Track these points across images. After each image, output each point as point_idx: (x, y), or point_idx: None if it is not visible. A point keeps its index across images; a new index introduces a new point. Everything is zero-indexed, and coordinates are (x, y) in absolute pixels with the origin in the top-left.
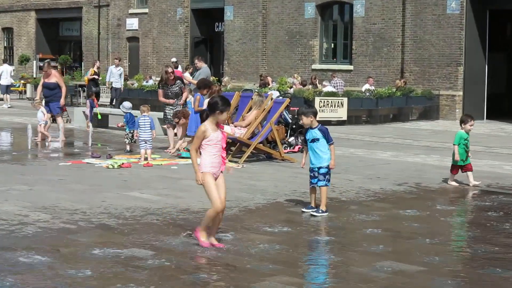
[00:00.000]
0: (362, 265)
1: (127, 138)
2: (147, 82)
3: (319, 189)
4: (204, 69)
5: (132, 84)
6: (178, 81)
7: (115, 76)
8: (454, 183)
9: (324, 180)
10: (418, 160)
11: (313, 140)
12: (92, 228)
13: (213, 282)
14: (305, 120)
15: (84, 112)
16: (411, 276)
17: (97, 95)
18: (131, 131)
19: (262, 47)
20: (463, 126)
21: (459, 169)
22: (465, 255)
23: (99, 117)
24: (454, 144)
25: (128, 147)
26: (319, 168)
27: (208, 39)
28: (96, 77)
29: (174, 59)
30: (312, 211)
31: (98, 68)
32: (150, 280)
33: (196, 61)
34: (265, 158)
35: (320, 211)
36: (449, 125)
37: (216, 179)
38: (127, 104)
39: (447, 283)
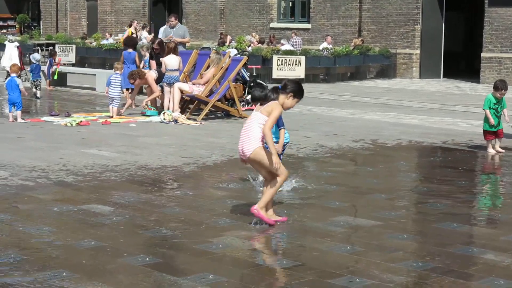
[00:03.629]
0: (319, 220)
1: (32, 85)
2: (107, 40)
3: None
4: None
5: (91, 43)
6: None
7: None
8: (491, 150)
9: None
10: (375, 117)
11: None
12: (51, 185)
13: (172, 238)
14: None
15: (43, 71)
16: (367, 230)
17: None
18: (35, 80)
19: (220, 6)
20: (494, 91)
21: (494, 135)
22: (421, 210)
23: (55, 77)
24: (484, 109)
25: (38, 94)
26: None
27: None
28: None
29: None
30: None
31: (136, 29)
32: (109, 236)
33: (172, 18)
34: (223, 115)
35: None
36: (406, 83)
37: None
38: (37, 55)
39: (402, 237)
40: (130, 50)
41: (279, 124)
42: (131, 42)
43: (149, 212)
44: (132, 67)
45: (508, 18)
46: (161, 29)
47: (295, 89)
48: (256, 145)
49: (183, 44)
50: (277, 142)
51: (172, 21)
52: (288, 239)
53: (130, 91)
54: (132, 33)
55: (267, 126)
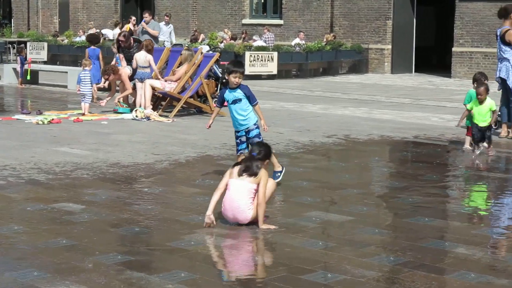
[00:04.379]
0: (291, 216)
1: None
2: (79, 37)
3: None
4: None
5: (63, 40)
6: (135, 43)
7: (165, 34)
8: (469, 147)
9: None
10: (347, 112)
11: (235, 101)
12: (22, 184)
13: (144, 235)
14: (235, 80)
15: (15, 69)
16: (339, 225)
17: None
18: None
19: (192, 2)
20: (475, 85)
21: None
22: (393, 205)
23: (28, 77)
24: (464, 104)
25: None
26: (248, 130)
27: None
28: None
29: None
30: None
31: (134, 25)
32: (81, 234)
33: (146, 14)
34: (195, 112)
35: (278, 174)
36: (378, 78)
37: None
38: None
39: (374, 232)
40: (94, 46)
41: (251, 100)
42: (95, 39)
43: (121, 210)
44: (97, 63)
45: (479, 13)
46: (160, 24)
47: (270, 153)
48: (251, 213)
49: (155, 39)
50: (256, 124)
51: (146, 17)
52: (260, 235)
53: (105, 83)
54: (130, 29)
55: (262, 197)
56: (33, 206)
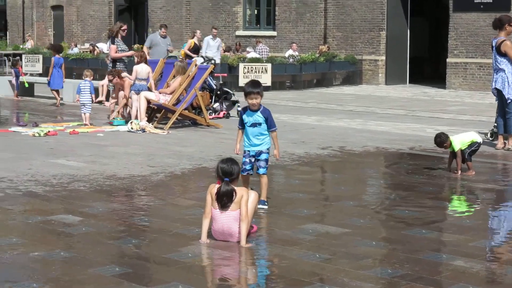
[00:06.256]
0: (287, 228)
1: None
2: (72, 50)
3: (260, 178)
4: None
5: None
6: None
7: (212, 49)
8: None
9: (265, 167)
10: (342, 124)
11: (254, 125)
12: (20, 196)
13: (142, 247)
14: (252, 101)
15: (10, 81)
16: (336, 237)
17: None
18: None
19: (186, 14)
20: None
21: None
22: (389, 217)
23: (26, 85)
24: None
25: None
26: (260, 153)
27: (132, 6)
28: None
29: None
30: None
31: (198, 38)
32: (79, 246)
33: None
34: (190, 124)
35: (266, 203)
36: (372, 90)
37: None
38: None
39: (371, 244)
40: (58, 56)
41: (270, 125)
42: (60, 48)
43: (118, 222)
44: (60, 72)
45: (473, 23)
46: (206, 39)
47: (237, 164)
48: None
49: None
50: (268, 150)
51: (164, 32)
52: (257, 248)
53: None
54: (195, 44)
55: (245, 214)
56: (31, 218)
